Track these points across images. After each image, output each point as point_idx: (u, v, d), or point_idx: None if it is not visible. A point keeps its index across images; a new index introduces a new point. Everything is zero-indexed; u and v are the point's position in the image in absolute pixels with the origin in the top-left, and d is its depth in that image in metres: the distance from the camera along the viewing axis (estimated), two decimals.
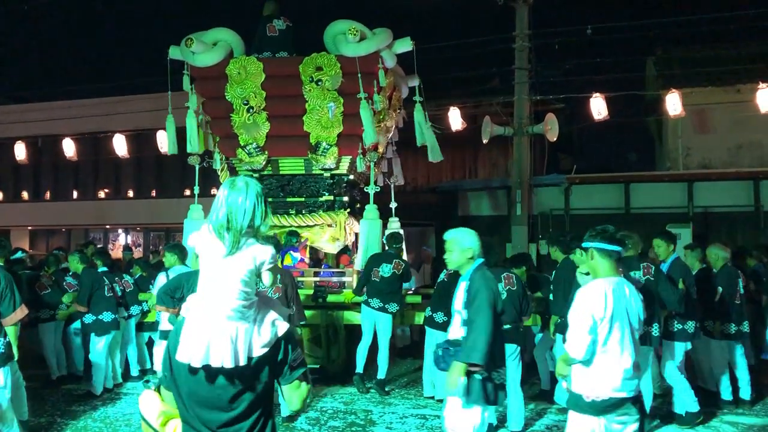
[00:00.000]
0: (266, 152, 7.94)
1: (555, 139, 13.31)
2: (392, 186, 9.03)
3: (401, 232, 7.87)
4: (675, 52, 17.06)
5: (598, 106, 12.72)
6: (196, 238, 2.51)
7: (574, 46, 14.08)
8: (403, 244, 8.45)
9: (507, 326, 5.44)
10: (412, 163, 17.82)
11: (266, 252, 2.48)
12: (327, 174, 8.02)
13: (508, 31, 13.49)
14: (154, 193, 21.26)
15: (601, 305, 3.34)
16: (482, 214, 15.44)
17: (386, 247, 7.45)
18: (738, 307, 6.45)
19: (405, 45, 7.88)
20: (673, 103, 12.67)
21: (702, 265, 6.94)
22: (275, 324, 2.49)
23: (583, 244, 3.67)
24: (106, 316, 7.17)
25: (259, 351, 2.42)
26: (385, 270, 7.10)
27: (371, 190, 7.86)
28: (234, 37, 8.07)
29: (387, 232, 8.43)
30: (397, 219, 8.64)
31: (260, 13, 8.41)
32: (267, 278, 2.54)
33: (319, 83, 7.66)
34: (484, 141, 13.80)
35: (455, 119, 13.82)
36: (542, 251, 14.10)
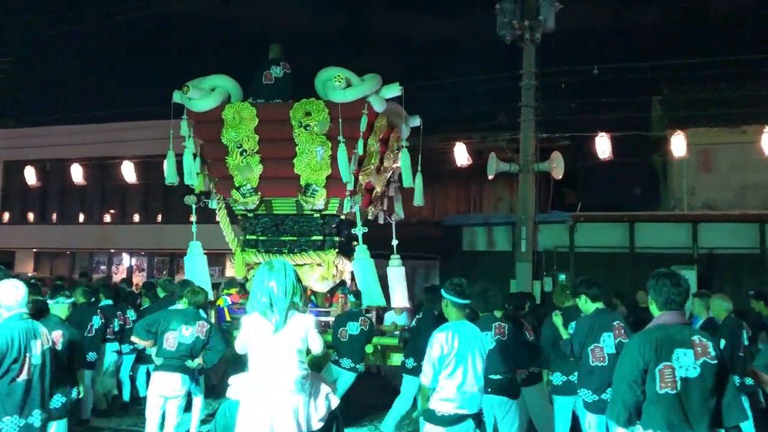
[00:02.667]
0: (259, 193, 8.13)
1: (560, 176, 13.36)
2: (393, 224, 9.08)
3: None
4: (681, 93, 17.17)
5: (603, 146, 12.80)
6: (245, 321, 2.58)
7: (581, 85, 14.23)
8: (402, 281, 8.48)
9: (498, 377, 5.38)
10: None
11: (309, 318, 2.66)
12: (317, 214, 8.15)
13: (516, 69, 13.64)
14: (159, 219, 21.34)
15: (447, 344, 4.16)
16: (487, 250, 15.42)
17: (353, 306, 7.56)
18: (742, 359, 6.33)
19: (393, 90, 7.98)
20: (678, 144, 12.74)
21: (710, 314, 6.86)
22: (329, 397, 2.56)
23: (442, 291, 4.41)
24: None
25: (316, 425, 2.48)
26: (353, 328, 7.15)
27: (359, 231, 7.93)
28: (231, 83, 8.32)
29: (388, 269, 8.48)
30: (398, 256, 8.67)
31: (266, 55, 8.57)
32: (317, 342, 2.63)
33: (308, 128, 7.81)
34: (490, 177, 13.85)
35: (461, 154, 13.92)
36: (546, 288, 14.07)
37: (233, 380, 2.59)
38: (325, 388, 2.59)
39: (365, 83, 7.80)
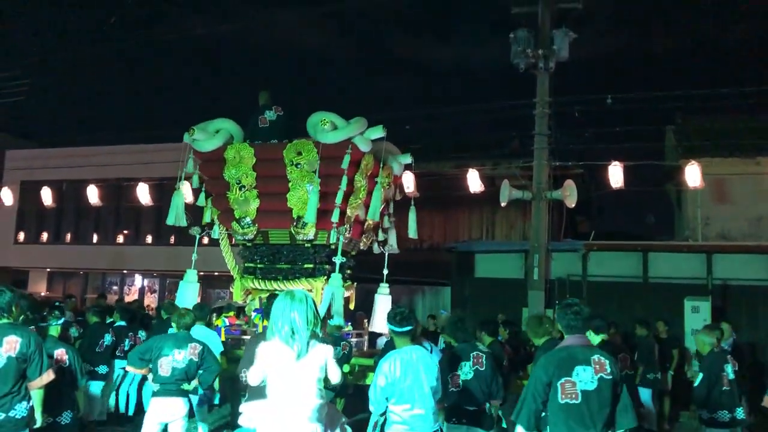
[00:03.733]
0: (257, 225, 8.79)
1: (574, 205, 13.30)
2: (387, 254, 9.60)
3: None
4: (695, 122, 17.14)
5: (617, 175, 12.76)
6: (264, 349, 2.65)
7: (594, 113, 14.24)
8: (388, 308, 8.75)
9: (472, 408, 5.32)
10: (429, 221, 17.92)
11: (329, 348, 2.75)
12: (308, 245, 8.71)
13: (529, 97, 13.69)
14: (172, 240, 21.46)
15: (390, 372, 4.29)
16: (498, 277, 15.33)
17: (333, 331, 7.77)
18: (727, 393, 6.09)
19: (377, 132, 8.53)
20: (693, 174, 12.67)
21: (722, 345, 6.75)
22: (343, 428, 2.58)
23: (387, 324, 4.61)
24: (85, 367, 7.41)
25: None
26: (336, 352, 7.24)
27: (338, 260, 8.38)
28: (234, 126, 9.05)
29: (376, 296, 9.06)
30: (387, 285, 9.19)
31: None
32: (336, 372, 2.70)
33: (299, 166, 8.46)
34: (503, 204, 13.82)
35: (473, 181, 13.90)
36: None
37: (245, 408, 2.62)
38: (340, 419, 2.63)
39: (350, 126, 8.43)
